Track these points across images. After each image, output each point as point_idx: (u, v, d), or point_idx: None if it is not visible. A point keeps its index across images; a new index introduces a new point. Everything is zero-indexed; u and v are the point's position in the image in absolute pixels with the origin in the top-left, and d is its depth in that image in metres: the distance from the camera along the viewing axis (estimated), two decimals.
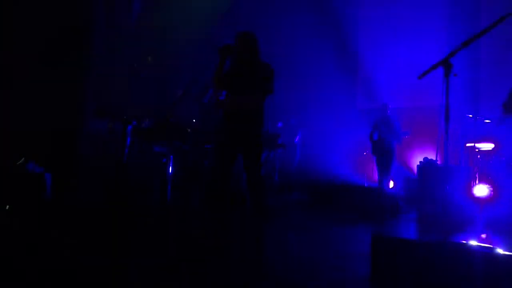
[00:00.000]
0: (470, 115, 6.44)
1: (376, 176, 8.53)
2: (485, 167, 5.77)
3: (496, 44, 7.60)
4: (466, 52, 2.86)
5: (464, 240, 2.64)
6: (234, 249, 3.27)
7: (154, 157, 5.06)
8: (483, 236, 3.99)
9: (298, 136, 8.55)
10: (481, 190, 5.63)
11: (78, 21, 6.78)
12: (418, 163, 6.61)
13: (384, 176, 7.12)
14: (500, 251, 1.84)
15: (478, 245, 2.32)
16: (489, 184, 5.63)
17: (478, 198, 5.51)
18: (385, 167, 7.05)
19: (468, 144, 6.08)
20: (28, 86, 6.40)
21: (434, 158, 6.41)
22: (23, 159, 5.25)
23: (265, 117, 3.78)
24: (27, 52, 6.40)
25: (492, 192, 5.53)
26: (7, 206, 4.65)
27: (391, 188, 7.20)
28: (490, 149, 5.79)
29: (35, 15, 6.47)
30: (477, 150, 5.94)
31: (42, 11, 6.49)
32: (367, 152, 7.26)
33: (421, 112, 8.18)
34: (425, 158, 6.59)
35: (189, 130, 6.03)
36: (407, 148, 7.51)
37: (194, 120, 6.16)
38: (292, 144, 8.41)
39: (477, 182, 5.75)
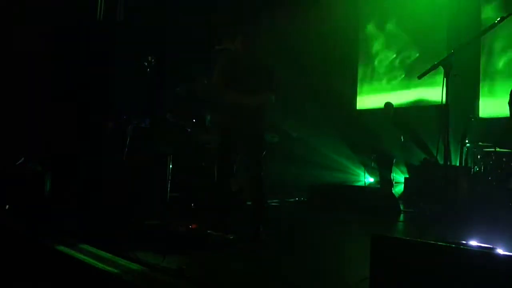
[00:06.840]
0: (470, 115, 6.43)
1: (374, 176, 8.55)
2: (486, 167, 5.76)
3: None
4: (466, 51, 2.85)
5: (464, 240, 2.64)
6: (234, 248, 3.27)
7: (154, 157, 5.05)
8: (483, 236, 3.99)
9: (296, 133, 8.53)
10: (480, 189, 5.62)
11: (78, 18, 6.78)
12: (418, 163, 6.61)
13: (384, 176, 7.11)
14: (500, 251, 1.84)
15: (478, 245, 2.32)
16: (488, 184, 5.62)
17: (478, 198, 5.50)
18: (385, 167, 7.03)
19: (468, 144, 6.07)
20: (27, 86, 6.39)
21: (434, 158, 6.41)
22: (23, 159, 5.24)
23: (268, 116, 3.76)
24: (27, 52, 6.40)
25: (490, 192, 5.52)
26: (7, 206, 4.65)
27: (391, 188, 7.20)
28: (491, 149, 5.77)
29: (35, 12, 6.46)
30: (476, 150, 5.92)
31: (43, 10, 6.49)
32: (368, 153, 7.27)
33: (421, 111, 8.18)
34: (425, 158, 6.58)
35: (189, 129, 6.03)
36: (407, 148, 7.49)
37: (194, 120, 6.15)
38: (291, 141, 8.39)
39: (477, 182, 5.74)
